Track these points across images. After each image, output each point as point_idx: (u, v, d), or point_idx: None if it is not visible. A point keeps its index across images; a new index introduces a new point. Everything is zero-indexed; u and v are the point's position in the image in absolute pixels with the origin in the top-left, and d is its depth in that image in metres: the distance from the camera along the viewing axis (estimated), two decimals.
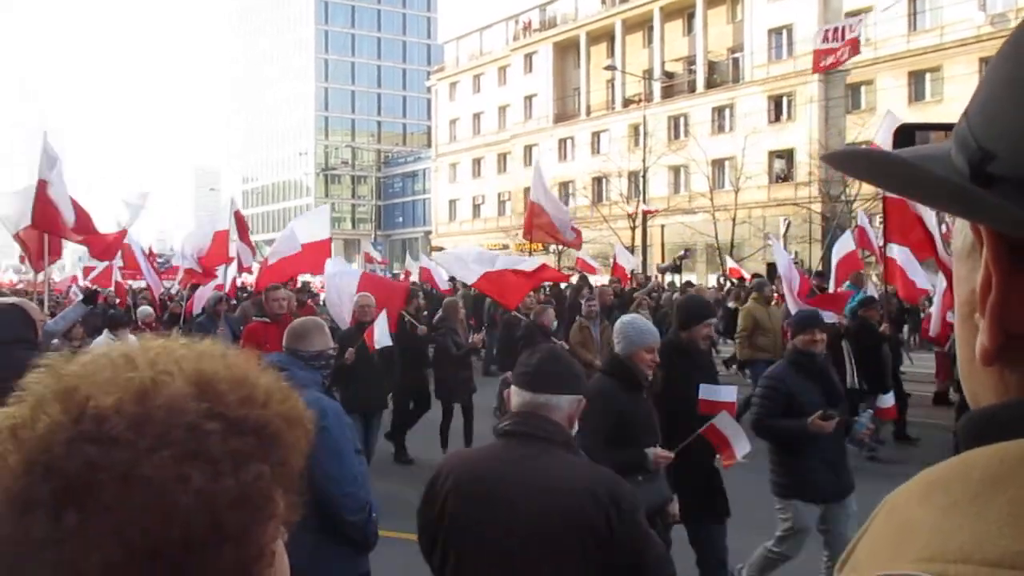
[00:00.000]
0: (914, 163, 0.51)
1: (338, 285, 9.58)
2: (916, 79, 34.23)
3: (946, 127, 0.58)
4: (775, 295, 11.71)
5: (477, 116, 58.45)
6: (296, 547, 0.84)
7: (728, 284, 20.90)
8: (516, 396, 2.42)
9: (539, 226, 11.82)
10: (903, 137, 0.63)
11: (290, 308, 8.36)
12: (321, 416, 3.27)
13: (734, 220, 33.65)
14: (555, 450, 2.33)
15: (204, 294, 11.64)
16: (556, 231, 11.96)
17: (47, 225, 9.80)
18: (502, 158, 55.55)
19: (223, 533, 0.68)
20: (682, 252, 27.97)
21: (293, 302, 9.02)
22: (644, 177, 36.02)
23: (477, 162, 58.43)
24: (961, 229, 0.54)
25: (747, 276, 20.04)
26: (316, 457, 2.97)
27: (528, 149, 52.47)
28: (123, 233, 13.49)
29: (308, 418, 0.79)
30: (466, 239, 57.22)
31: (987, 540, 0.42)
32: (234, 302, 14.10)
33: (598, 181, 44.29)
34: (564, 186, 47.38)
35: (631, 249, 27.34)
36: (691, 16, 43.26)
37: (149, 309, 11.85)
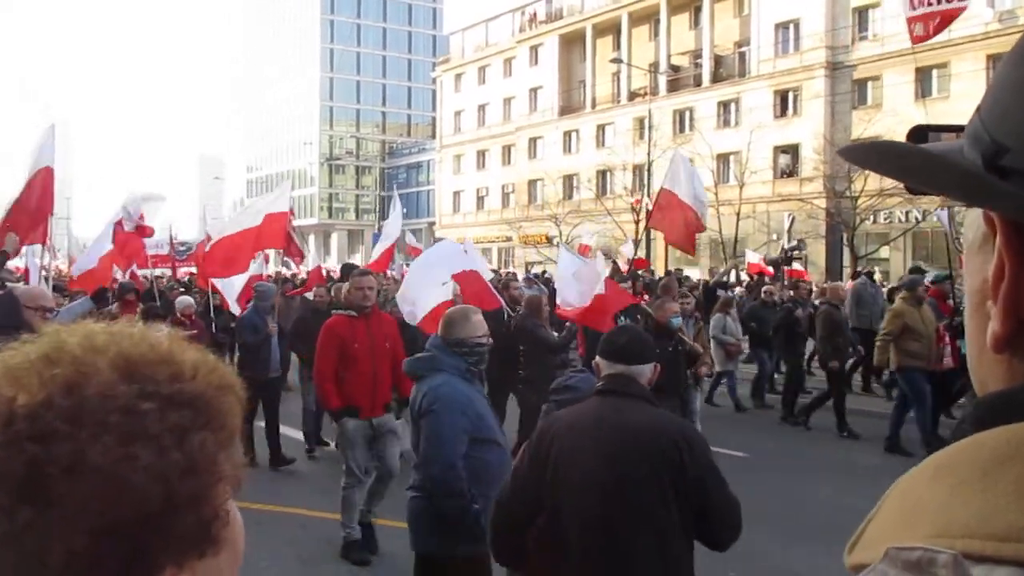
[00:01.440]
0: (930, 153, 0.52)
1: (428, 273, 8.51)
2: (923, 75, 34.08)
3: (959, 128, 0.59)
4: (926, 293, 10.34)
5: (482, 108, 58.38)
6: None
7: (748, 280, 19.35)
8: (607, 367, 3.02)
9: (664, 219, 10.38)
10: (916, 138, 0.64)
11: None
12: (432, 402, 3.84)
13: (738, 215, 33.63)
14: (642, 404, 2.94)
15: (233, 284, 10.31)
16: (683, 226, 10.35)
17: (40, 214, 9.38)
18: (507, 150, 55.50)
19: (177, 502, 0.71)
20: (795, 242, 24.00)
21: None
22: (649, 171, 35.99)
23: (482, 154, 58.39)
24: (973, 222, 0.56)
25: (769, 270, 19.08)
26: (422, 438, 3.43)
27: (533, 141, 52.42)
28: (147, 231, 12.83)
29: (238, 384, 0.83)
30: (470, 231, 57.29)
31: (993, 515, 0.43)
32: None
33: (602, 174, 44.26)
34: (568, 179, 47.36)
35: (635, 243, 27.21)
36: (698, 9, 43.14)
37: (189, 299, 10.97)
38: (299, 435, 9.74)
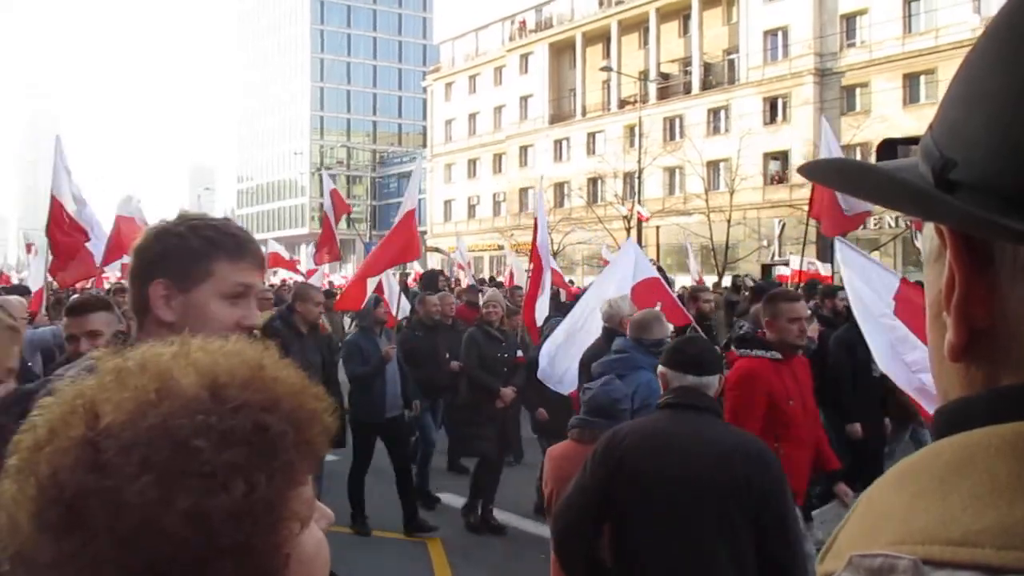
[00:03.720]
0: (884, 171, 0.54)
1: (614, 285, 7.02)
2: (911, 81, 34.33)
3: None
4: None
5: (473, 116, 58.42)
6: None
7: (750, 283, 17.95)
8: (677, 378, 2.99)
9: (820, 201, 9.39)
10: (886, 150, 0.64)
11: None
12: (648, 396, 4.17)
13: (729, 221, 33.69)
14: (711, 418, 2.94)
15: None
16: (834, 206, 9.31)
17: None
18: (498, 159, 55.54)
19: (219, 548, 0.68)
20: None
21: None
22: (639, 178, 36.07)
23: (473, 163, 58.41)
24: (928, 235, 0.57)
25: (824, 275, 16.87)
26: None
27: (523, 150, 52.47)
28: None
29: (326, 411, 0.78)
30: (461, 239, 57.23)
31: (950, 521, 0.45)
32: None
33: (593, 182, 44.31)
34: (559, 187, 47.40)
35: None
36: (687, 18, 43.30)
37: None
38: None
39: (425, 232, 62.20)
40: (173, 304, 1.68)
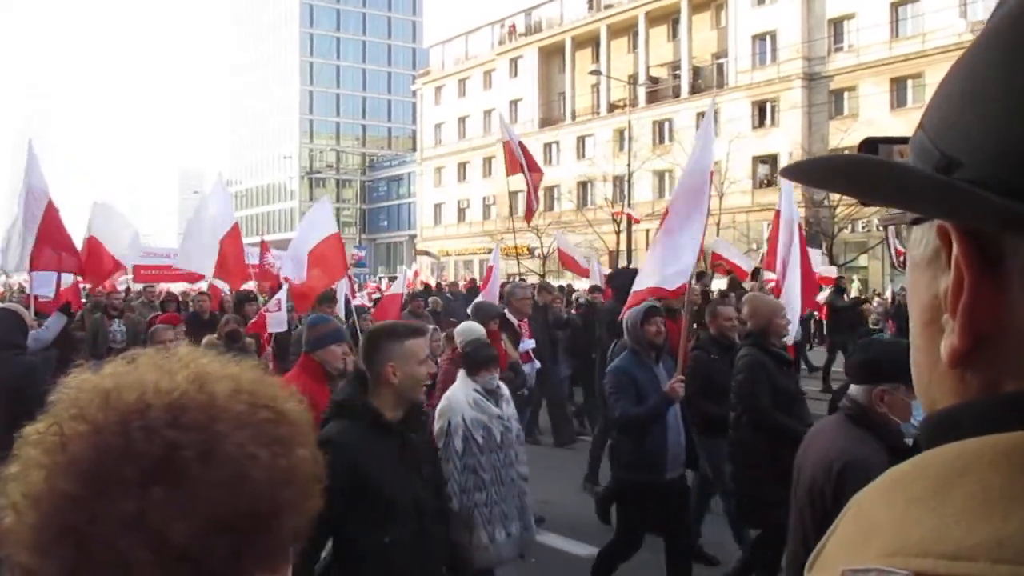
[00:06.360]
0: (889, 162, 0.52)
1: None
2: (898, 85, 34.52)
3: (909, 140, 0.58)
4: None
5: (462, 120, 58.39)
6: None
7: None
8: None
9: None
10: (868, 150, 0.63)
11: None
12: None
13: (718, 225, 33.74)
14: (846, 422, 2.87)
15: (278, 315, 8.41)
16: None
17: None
18: (487, 162, 55.50)
19: (278, 508, 0.78)
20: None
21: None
22: (629, 182, 36.13)
23: (462, 166, 58.37)
24: (922, 238, 0.55)
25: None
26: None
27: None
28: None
29: (310, 417, 0.90)
30: (451, 243, 57.18)
31: (944, 533, 0.44)
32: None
33: (583, 185, 44.36)
34: (549, 190, 47.42)
35: (616, 253, 27.27)
36: (676, 22, 43.44)
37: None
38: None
39: (415, 236, 62.17)
40: None
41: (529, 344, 8.44)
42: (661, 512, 4.95)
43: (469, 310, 7.94)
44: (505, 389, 4.71)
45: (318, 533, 2.92)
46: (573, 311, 12.61)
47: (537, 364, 8.61)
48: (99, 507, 0.72)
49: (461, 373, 4.63)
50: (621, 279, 9.97)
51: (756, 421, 4.94)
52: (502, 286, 10.60)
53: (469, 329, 6.20)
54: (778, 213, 8.74)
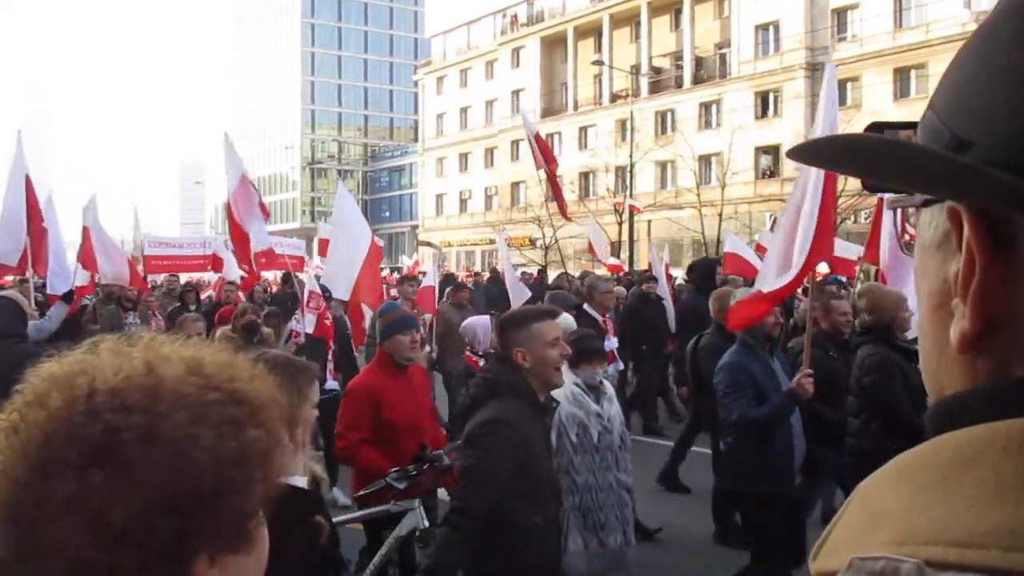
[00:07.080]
0: (900, 140, 0.51)
1: None
2: (902, 76, 34.42)
3: (915, 125, 0.58)
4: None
5: (464, 110, 58.29)
6: None
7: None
8: None
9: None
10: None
11: None
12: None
13: (720, 216, 33.71)
14: None
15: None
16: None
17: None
18: (489, 152, 55.45)
19: (225, 489, 0.78)
20: None
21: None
22: (631, 172, 36.05)
23: (464, 156, 58.29)
24: (931, 221, 0.54)
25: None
26: None
27: (515, 144, 52.37)
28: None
29: (280, 397, 0.91)
30: (453, 234, 57.17)
31: (954, 521, 0.43)
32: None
33: (585, 176, 44.29)
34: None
35: (618, 244, 27.23)
36: (678, 11, 43.29)
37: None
38: None
39: (417, 226, 62.14)
40: None
41: (612, 343, 7.76)
42: (786, 530, 4.37)
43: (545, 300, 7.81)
44: (609, 387, 4.32)
45: (487, 507, 2.92)
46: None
47: (620, 365, 8.06)
48: (43, 491, 0.73)
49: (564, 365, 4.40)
50: (702, 269, 9.93)
51: (890, 427, 4.34)
52: (580, 278, 10.22)
53: (567, 321, 5.50)
54: (881, 200, 7.55)
